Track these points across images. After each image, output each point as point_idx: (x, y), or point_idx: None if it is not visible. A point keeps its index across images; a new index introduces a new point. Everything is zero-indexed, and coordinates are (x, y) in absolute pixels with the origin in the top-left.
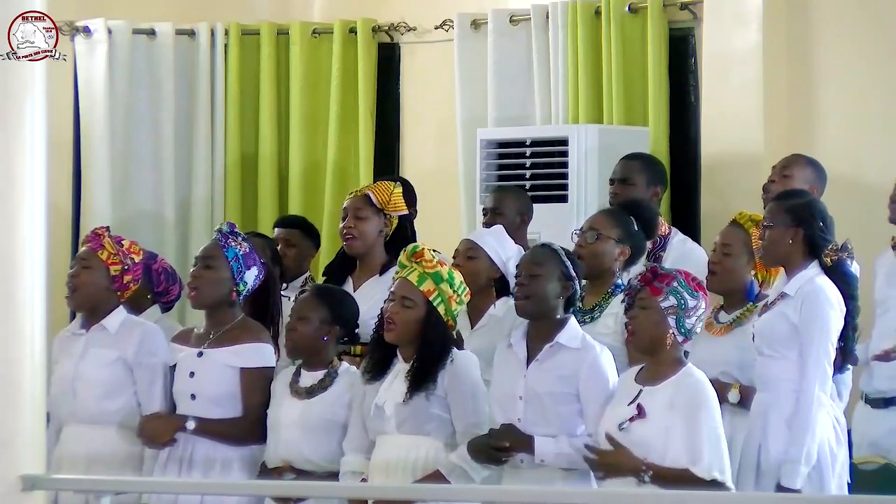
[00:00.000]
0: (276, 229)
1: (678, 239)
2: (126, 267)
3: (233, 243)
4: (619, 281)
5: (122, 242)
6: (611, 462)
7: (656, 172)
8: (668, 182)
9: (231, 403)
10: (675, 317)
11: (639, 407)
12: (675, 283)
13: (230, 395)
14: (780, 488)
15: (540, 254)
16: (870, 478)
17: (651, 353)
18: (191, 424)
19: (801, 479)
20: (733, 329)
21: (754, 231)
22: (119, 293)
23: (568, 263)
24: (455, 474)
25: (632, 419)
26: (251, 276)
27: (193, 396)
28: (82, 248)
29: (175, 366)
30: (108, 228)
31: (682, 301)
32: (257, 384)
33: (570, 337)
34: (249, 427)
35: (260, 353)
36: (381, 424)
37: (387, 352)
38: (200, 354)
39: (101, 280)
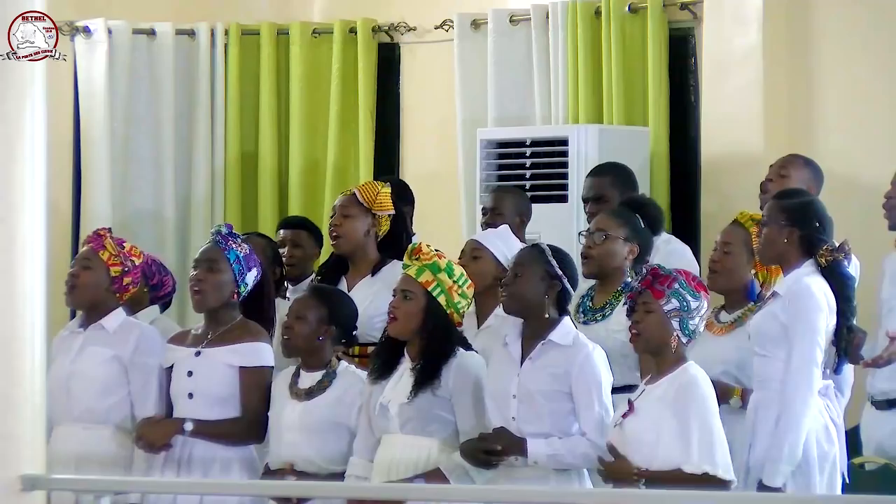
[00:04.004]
0: (281, 231)
1: (662, 239)
2: (126, 269)
3: (233, 245)
4: (629, 279)
5: (124, 244)
6: (612, 472)
7: (627, 180)
8: (637, 185)
9: (230, 403)
10: (678, 319)
11: (630, 403)
12: (676, 286)
13: (229, 395)
14: (761, 486)
15: (524, 253)
16: (870, 478)
17: (655, 355)
18: (188, 426)
19: (783, 477)
20: (734, 329)
21: (755, 230)
22: (118, 294)
23: (553, 262)
24: (456, 474)
25: (624, 415)
26: (251, 278)
27: (191, 395)
28: (84, 248)
29: (171, 368)
30: (110, 230)
31: (685, 303)
32: (256, 383)
33: (562, 335)
34: (248, 427)
35: (259, 353)
36: (386, 423)
37: (393, 351)
38: (198, 354)
39: (102, 280)
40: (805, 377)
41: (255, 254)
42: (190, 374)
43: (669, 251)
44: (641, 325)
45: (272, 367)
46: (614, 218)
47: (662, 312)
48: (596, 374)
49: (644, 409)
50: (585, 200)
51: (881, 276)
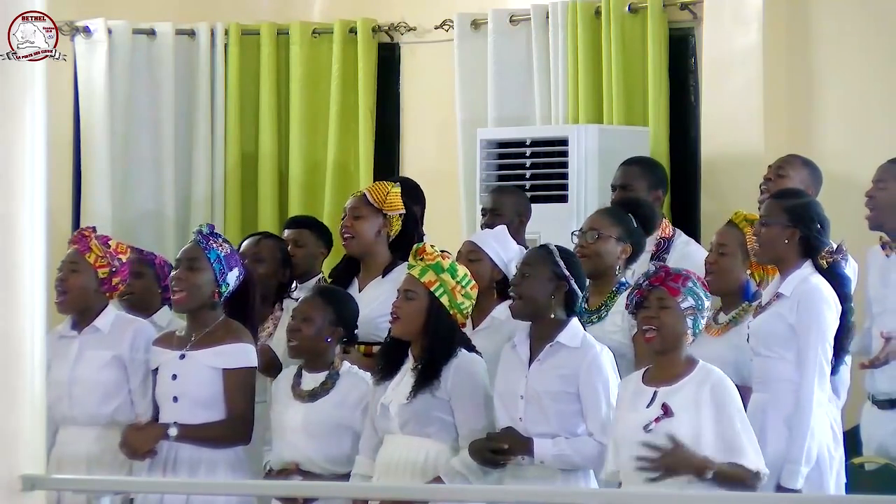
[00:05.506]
0: (286, 230)
1: (681, 241)
2: (114, 269)
3: (214, 245)
4: (623, 279)
5: (109, 243)
6: (674, 461)
7: (656, 176)
8: (668, 185)
9: (215, 405)
10: (692, 318)
11: (664, 406)
12: (690, 284)
13: (214, 397)
14: (779, 488)
15: (532, 254)
16: (870, 478)
17: (666, 353)
18: (173, 432)
19: (802, 479)
20: (730, 329)
21: (750, 231)
22: (108, 294)
23: (561, 263)
24: (455, 481)
25: (657, 419)
26: (233, 278)
27: (176, 399)
28: (69, 250)
29: (157, 369)
30: (94, 228)
31: (700, 302)
32: (241, 385)
33: (570, 337)
34: (234, 429)
35: (243, 354)
36: (387, 423)
37: (398, 351)
38: (183, 357)
39: (90, 283)
40: (819, 378)
41: (236, 254)
42: (174, 377)
43: (686, 253)
44: (659, 322)
45: (255, 367)
46: (607, 217)
47: (679, 309)
48: (603, 375)
49: (677, 412)
50: (613, 188)
51: (866, 270)
